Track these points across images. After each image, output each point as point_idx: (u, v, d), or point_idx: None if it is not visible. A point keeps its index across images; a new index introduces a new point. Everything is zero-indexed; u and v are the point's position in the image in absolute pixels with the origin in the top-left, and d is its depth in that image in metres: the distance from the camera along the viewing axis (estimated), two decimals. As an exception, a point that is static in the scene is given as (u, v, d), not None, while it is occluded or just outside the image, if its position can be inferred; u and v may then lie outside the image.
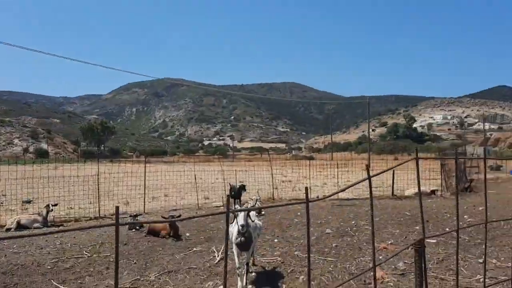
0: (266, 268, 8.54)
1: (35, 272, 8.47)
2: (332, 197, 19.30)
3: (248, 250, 7.13)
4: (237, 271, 7.19)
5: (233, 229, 6.88)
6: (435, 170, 24.32)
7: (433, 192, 20.87)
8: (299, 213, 15.24)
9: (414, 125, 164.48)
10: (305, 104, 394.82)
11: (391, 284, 7.25)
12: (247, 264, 7.37)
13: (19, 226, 13.10)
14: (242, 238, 6.79)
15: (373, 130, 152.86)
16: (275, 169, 23.98)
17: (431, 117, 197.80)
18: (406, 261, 8.36)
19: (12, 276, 8.18)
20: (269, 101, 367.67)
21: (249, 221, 7.05)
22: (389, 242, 10.16)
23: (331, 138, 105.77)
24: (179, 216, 12.24)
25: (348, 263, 8.54)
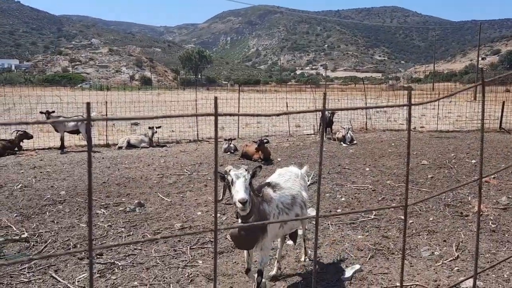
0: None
1: (144, 185, 9.43)
2: (431, 128, 18.33)
3: (253, 247, 4.17)
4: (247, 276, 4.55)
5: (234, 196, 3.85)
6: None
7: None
8: (393, 144, 14.78)
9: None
10: (406, 30, 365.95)
11: (491, 217, 6.90)
12: (260, 272, 4.25)
13: (129, 145, 14.49)
14: (240, 224, 3.95)
15: (483, 59, 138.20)
16: (370, 99, 23.14)
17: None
18: (510, 196, 7.83)
19: (125, 188, 9.21)
20: (366, 28, 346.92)
21: (269, 192, 4.36)
22: (493, 176, 9.52)
23: (434, 67, 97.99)
24: (267, 141, 12.56)
25: (444, 194, 8.23)
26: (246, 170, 3.90)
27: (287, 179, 4.78)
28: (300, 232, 5.58)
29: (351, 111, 20.79)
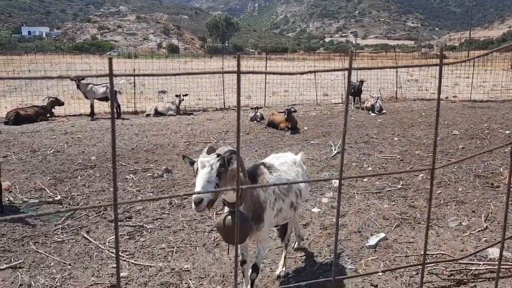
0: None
1: (171, 152, 9.58)
2: (463, 98, 17.74)
3: (244, 241, 3.57)
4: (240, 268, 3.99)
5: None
6: None
7: None
8: (423, 114, 14.42)
9: None
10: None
11: (523, 190, 6.71)
12: (255, 268, 3.69)
13: (156, 113, 14.67)
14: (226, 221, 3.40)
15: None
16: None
17: None
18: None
19: (152, 154, 9.38)
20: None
21: (265, 175, 3.85)
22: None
23: (469, 34, 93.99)
24: (295, 111, 12.47)
25: (474, 165, 8.03)
26: (218, 156, 3.13)
27: (283, 162, 4.21)
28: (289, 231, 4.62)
29: (380, 80, 20.29)
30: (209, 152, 3.27)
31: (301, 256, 4.88)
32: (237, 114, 0.90)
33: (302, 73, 0.96)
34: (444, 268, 4.41)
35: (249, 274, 3.69)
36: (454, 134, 10.81)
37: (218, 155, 3.14)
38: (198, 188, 3.00)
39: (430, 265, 4.51)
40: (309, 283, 3.75)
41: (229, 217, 3.35)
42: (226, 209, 3.47)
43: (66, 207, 6.31)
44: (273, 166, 4.00)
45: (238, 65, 0.92)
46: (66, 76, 0.82)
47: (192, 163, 3.24)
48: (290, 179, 3.99)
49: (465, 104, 16.81)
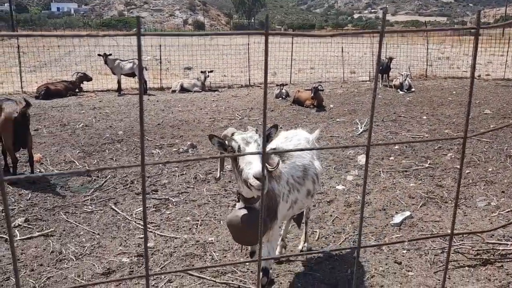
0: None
1: (196, 128, 9.65)
2: (497, 76, 17.12)
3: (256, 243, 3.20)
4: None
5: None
6: None
7: None
8: (454, 92, 14.01)
9: None
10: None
11: (557, 171, 6.49)
12: (266, 272, 3.30)
13: (182, 89, 14.74)
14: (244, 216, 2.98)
15: None
16: (432, 44, 21.78)
17: None
18: None
19: (178, 130, 9.47)
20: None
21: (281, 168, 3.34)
22: None
23: (505, 11, 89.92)
24: (322, 89, 12.30)
25: (506, 145, 7.79)
26: (256, 131, 2.91)
27: (296, 144, 3.75)
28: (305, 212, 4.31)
29: (410, 57, 19.75)
30: (226, 136, 2.94)
31: (324, 233, 4.89)
32: (264, 78, 0.88)
33: (332, 35, 0.93)
34: (470, 247, 4.34)
35: (260, 277, 3.01)
36: (486, 113, 10.49)
37: (257, 130, 2.93)
38: (257, 165, 2.57)
39: (456, 244, 4.44)
40: (334, 249, 3.74)
41: (246, 213, 2.94)
42: (239, 205, 3.07)
43: (94, 179, 6.48)
44: (286, 152, 3.51)
45: (267, 26, 0.90)
46: (95, 34, 0.81)
47: (221, 144, 2.88)
48: (306, 164, 3.56)
49: (498, 82, 16.22)
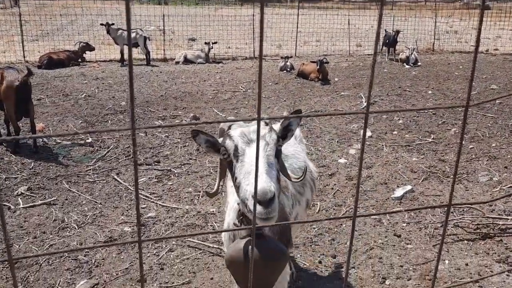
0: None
1: (199, 99, 9.59)
2: (506, 51, 16.82)
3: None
4: None
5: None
6: None
7: None
8: (460, 67, 13.79)
9: None
10: None
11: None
12: None
13: (186, 60, 14.58)
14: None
15: None
16: (440, 17, 21.34)
17: None
18: None
19: (181, 101, 9.41)
20: None
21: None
22: None
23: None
24: (327, 62, 12.12)
25: (511, 120, 7.71)
26: (267, 125, 1.94)
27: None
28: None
29: (417, 31, 19.37)
30: (222, 131, 2.09)
31: (325, 205, 4.90)
32: (259, 49, 0.83)
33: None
34: (470, 222, 4.35)
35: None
36: (492, 89, 10.34)
37: (266, 123, 1.95)
38: (264, 178, 1.66)
39: (456, 218, 4.45)
40: (330, 218, 3.75)
41: (249, 244, 1.96)
42: (241, 232, 2.13)
43: (97, 149, 6.49)
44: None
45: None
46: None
47: (211, 143, 1.94)
48: (302, 168, 2.67)
49: (506, 57, 15.93)
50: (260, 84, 0.82)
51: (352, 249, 3.91)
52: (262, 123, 1.86)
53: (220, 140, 1.95)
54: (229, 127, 1.97)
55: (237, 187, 1.80)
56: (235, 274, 2.11)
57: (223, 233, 2.33)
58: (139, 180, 5.49)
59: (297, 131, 3.04)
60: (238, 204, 1.99)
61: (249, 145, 1.81)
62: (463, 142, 6.70)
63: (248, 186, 1.71)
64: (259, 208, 1.61)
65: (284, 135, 1.97)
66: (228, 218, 2.32)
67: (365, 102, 9.26)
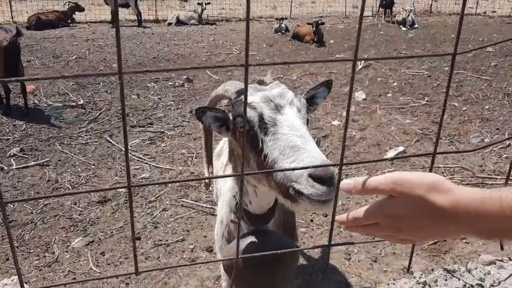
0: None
1: (193, 62, 9.46)
2: (503, 13, 16.57)
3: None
4: None
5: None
6: None
7: None
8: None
9: None
10: None
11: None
12: None
13: (178, 22, 14.28)
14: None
15: None
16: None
17: None
18: None
19: (174, 63, 9.29)
20: None
21: None
22: None
23: None
24: (323, 23, 11.88)
25: (505, 83, 7.69)
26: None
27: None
28: None
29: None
30: (221, 97, 1.70)
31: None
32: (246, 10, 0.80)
33: None
34: (459, 182, 4.41)
35: None
36: (488, 51, 10.25)
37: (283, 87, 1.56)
38: (310, 149, 1.29)
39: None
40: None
41: (254, 242, 1.60)
42: (243, 226, 1.72)
43: (89, 111, 6.44)
44: None
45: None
46: None
47: (220, 120, 1.53)
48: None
49: (504, 20, 15.72)
50: (248, 24, 0.79)
51: (343, 207, 3.97)
52: (278, 84, 1.53)
53: (230, 114, 1.52)
54: (239, 93, 1.55)
55: (270, 167, 1.34)
56: (238, 281, 1.67)
57: (215, 231, 2.04)
58: (131, 143, 5.48)
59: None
60: (234, 196, 1.68)
61: (280, 112, 1.40)
62: (457, 104, 6.71)
63: (294, 163, 1.27)
64: (321, 188, 1.23)
65: (312, 103, 1.63)
66: (221, 212, 1.93)
67: (360, 64, 9.17)
